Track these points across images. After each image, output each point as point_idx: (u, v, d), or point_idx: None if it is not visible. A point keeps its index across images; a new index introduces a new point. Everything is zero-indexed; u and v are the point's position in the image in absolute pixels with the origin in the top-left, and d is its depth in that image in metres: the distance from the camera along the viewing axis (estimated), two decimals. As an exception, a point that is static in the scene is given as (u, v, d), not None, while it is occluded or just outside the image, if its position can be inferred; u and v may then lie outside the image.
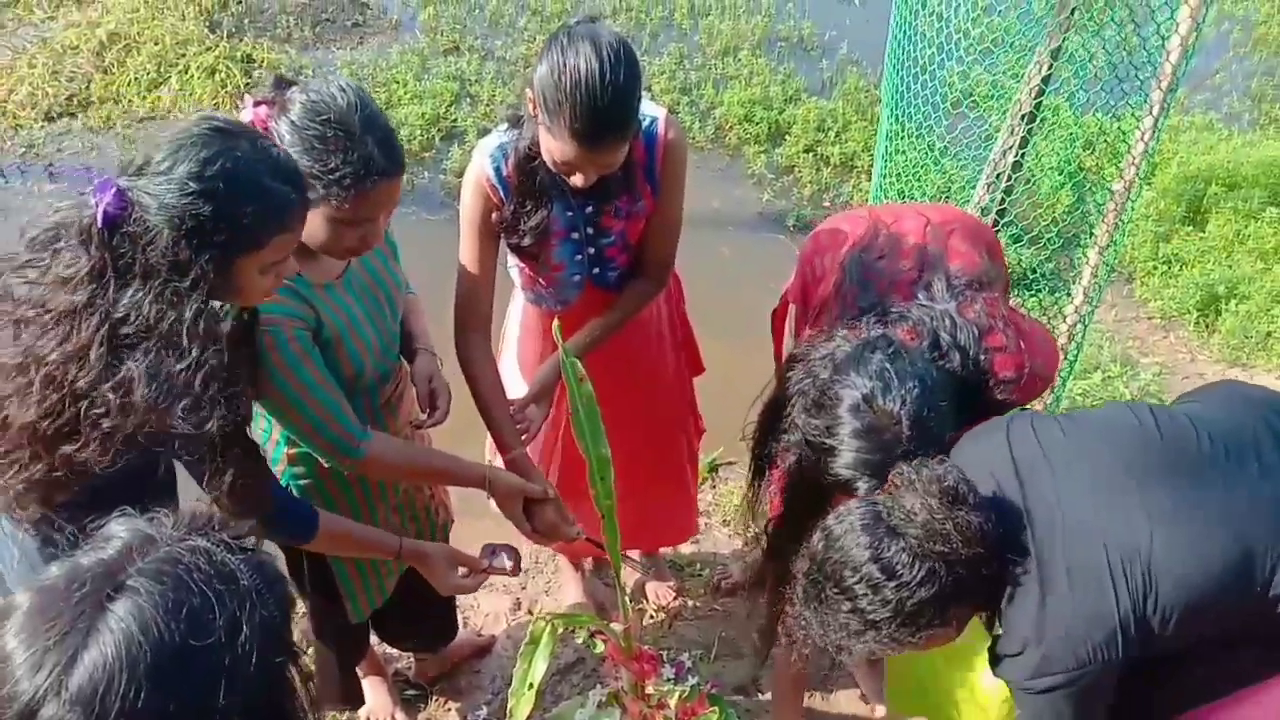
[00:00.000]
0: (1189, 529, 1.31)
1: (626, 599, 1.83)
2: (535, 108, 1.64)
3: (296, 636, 1.02)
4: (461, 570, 1.84)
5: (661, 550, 2.81)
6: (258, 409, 1.65)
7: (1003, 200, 2.59)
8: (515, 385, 2.10)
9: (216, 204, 1.25)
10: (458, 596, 2.43)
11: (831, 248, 1.78)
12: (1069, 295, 2.58)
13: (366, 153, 1.47)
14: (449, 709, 2.49)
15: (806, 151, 4.61)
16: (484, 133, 3.48)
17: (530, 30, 5.42)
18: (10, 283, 1.27)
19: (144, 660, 0.79)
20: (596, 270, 1.95)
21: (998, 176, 2.60)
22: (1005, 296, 1.80)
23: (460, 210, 1.88)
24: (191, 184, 1.23)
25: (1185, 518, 1.31)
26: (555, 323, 1.75)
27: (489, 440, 2.06)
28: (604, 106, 1.58)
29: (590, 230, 1.88)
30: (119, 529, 0.89)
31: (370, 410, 1.79)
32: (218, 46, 4.98)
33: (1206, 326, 3.71)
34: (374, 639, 2.31)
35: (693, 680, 1.84)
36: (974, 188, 2.72)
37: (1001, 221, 2.56)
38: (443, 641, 2.42)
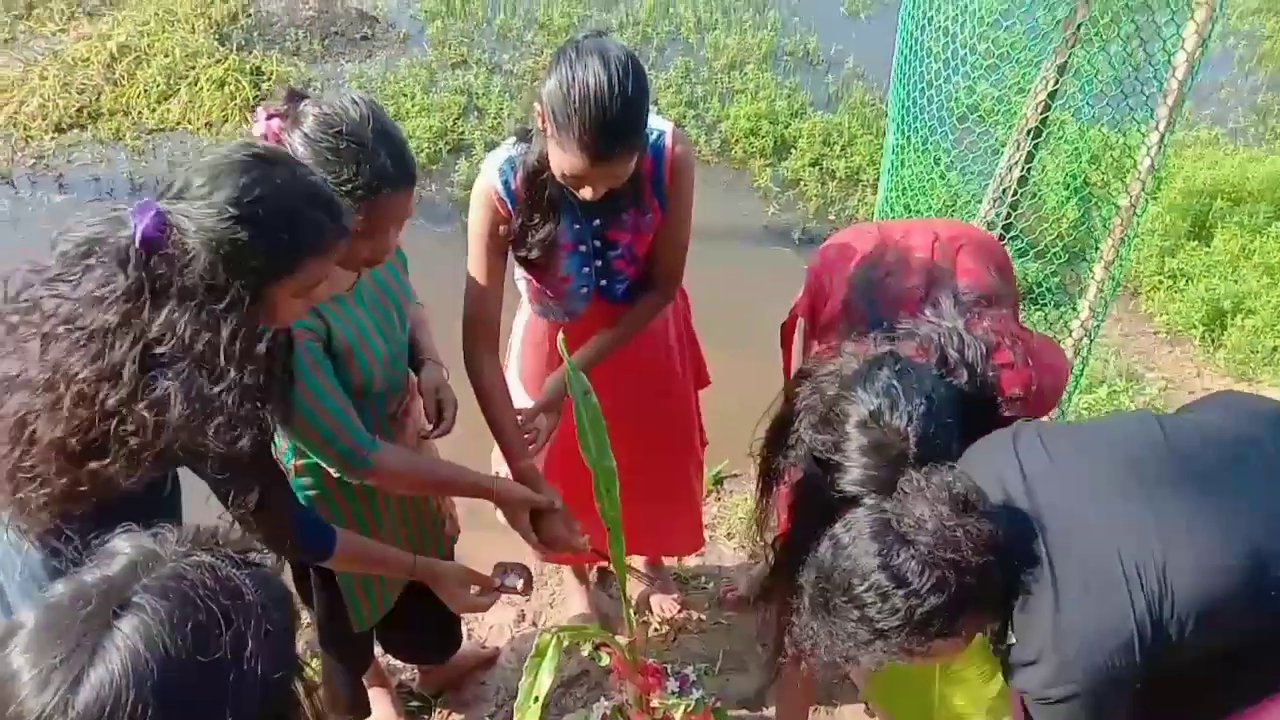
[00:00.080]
0: (1200, 535, 1.30)
1: (631, 612, 1.83)
2: (544, 121, 1.65)
3: (301, 647, 1.02)
4: (474, 589, 1.84)
5: (666, 563, 2.81)
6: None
7: (1008, 215, 2.60)
8: (518, 399, 2.11)
9: (254, 230, 1.27)
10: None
11: (840, 264, 1.79)
12: (1074, 310, 2.58)
13: (379, 165, 1.48)
14: (453, 721, 2.48)
15: (812, 165, 4.62)
16: (491, 146, 3.50)
17: (537, 44, 5.45)
18: (40, 294, 1.27)
19: (151, 677, 0.79)
20: (604, 283, 1.96)
21: (1004, 191, 2.60)
22: (1015, 313, 1.80)
23: (469, 223, 1.88)
24: (230, 209, 1.25)
25: (1196, 523, 1.31)
26: (561, 335, 1.75)
27: (495, 451, 2.06)
28: (613, 119, 1.59)
29: (598, 243, 1.89)
30: (123, 545, 0.89)
31: (378, 421, 1.79)
32: (227, 59, 5.01)
33: (1212, 341, 3.71)
34: (378, 650, 2.31)
35: (697, 693, 1.84)
36: (980, 202, 2.73)
37: (1007, 236, 2.57)
38: (447, 653, 2.42)
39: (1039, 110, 2.46)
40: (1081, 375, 2.74)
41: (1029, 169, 2.54)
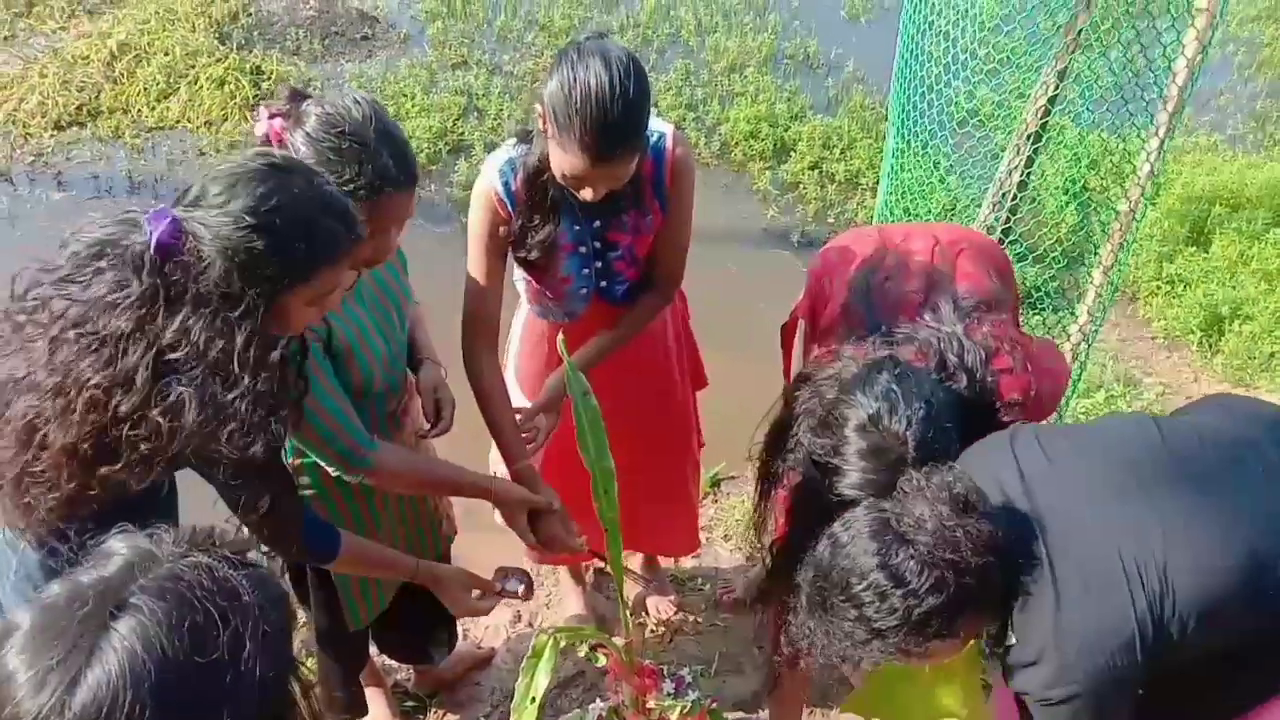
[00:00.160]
0: (1200, 535, 1.31)
1: (628, 613, 1.83)
2: (545, 122, 1.65)
3: (296, 646, 1.02)
4: (475, 593, 1.84)
5: (662, 564, 2.81)
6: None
7: (1008, 219, 2.60)
8: (515, 399, 2.11)
9: (270, 238, 1.27)
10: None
11: (840, 267, 1.79)
12: (1073, 314, 2.59)
13: (381, 165, 1.49)
14: (448, 722, 2.48)
15: (812, 168, 4.62)
16: (491, 147, 3.50)
17: (538, 45, 5.45)
18: (48, 294, 1.26)
19: (148, 678, 0.79)
20: (604, 284, 1.96)
21: (1003, 195, 2.61)
22: (1015, 318, 1.81)
23: (469, 224, 1.89)
24: (247, 218, 1.26)
25: (1195, 524, 1.31)
26: (560, 336, 1.76)
27: (493, 451, 2.06)
28: (614, 120, 1.59)
29: (598, 244, 1.89)
30: (119, 546, 0.89)
31: (377, 420, 1.79)
32: (227, 58, 5.01)
33: (1210, 347, 3.71)
34: (374, 650, 2.31)
35: (693, 695, 1.83)
36: (979, 206, 2.73)
37: (1006, 240, 2.57)
38: (442, 653, 2.42)
39: (1039, 115, 2.47)
40: (1079, 380, 2.74)
41: (1028, 174, 2.54)
